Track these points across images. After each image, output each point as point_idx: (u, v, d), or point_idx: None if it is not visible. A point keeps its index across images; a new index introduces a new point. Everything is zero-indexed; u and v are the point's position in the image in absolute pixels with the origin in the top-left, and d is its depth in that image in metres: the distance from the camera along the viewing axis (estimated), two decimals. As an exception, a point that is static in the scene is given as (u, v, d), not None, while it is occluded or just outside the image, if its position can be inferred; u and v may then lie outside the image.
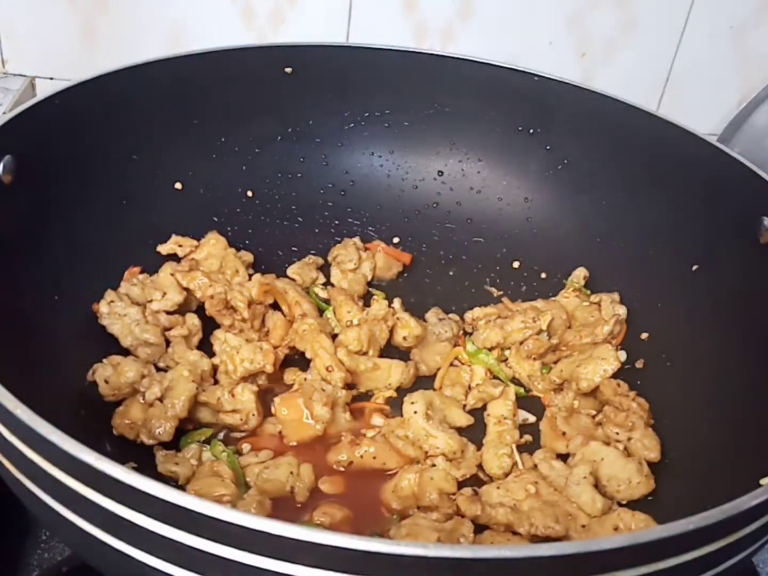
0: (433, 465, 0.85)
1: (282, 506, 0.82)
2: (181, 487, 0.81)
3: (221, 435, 0.89)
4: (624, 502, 0.84)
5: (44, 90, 1.09)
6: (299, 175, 1.13)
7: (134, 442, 0.85)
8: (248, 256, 1.05)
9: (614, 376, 0.95)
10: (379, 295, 1.06)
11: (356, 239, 1.11)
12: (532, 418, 0.96)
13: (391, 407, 0.95)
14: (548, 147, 1.10)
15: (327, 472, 0.86)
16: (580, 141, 1.08)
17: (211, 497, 0.79)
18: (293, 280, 1.06)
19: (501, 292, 1.10)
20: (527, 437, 0.93)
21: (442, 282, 1.11)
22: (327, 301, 1.05)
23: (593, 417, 0.94)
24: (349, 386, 0.94)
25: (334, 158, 1.14)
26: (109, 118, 0.96)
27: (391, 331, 1.01)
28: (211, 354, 0.95)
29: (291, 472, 0.82)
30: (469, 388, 0.98)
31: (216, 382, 0.93)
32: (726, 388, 0.88)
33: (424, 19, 1.27)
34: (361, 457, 0.87)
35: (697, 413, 0.89)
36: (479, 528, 0.80)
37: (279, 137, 1.10)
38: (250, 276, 1.02)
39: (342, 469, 0.87)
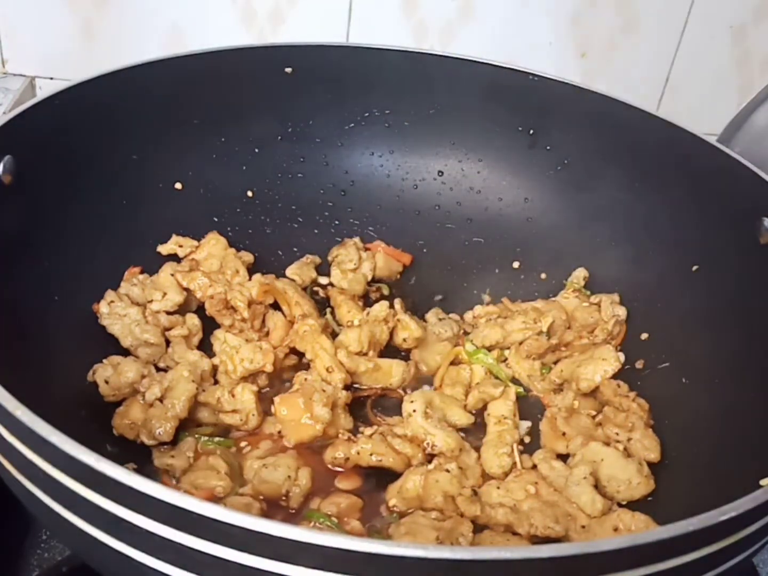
0: (447, 470, 0.85)
1: (275, 508, 0.82)
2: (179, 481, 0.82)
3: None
4: (624, 503, 0.84)
5: (44, 90, 1.09)
6: (299, 175, 1.13)
7: (134, 443, 0.85)
8: (248, 257, 1.05)
9: (614, 376, 0.95)
10: (383, 287, 1.06)
11: (356, 239, 1.11)
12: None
13: (390, 406, 0.95)
14: (548, 147, 1.10)
15: (326, 473, 0.86)
16: (580, 141, 1.08)
17: (205, 488, 0.80)
18: (293, 280, 1.06)
19: (501, 293, 1.10)
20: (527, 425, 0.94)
21: (442, 282, 1.11)
22: (327, 301, 1.05)
23: (593, 417, 0.94)
24: (349, 387, 0.94)
25: (334, 158, 1.14)
26: (109, 117, 0.96)
27: (392, 332, 1.01)
28: (211, 354, 0.95)
29: (289, 476, 0.82)
30: (470, 387, 0.98)
31: (216, 382, 0.93)
32: (726, 388, 0.88)
33: (424, 19, 1.27)
34: (358, 454, 0.86)
35: (697, 413, 0.89)
36: (478, 528, 0.80)
37: (279, 137, 1.10)
38: (251, 276, 1.02)
39: (339, 467, 0.87)
